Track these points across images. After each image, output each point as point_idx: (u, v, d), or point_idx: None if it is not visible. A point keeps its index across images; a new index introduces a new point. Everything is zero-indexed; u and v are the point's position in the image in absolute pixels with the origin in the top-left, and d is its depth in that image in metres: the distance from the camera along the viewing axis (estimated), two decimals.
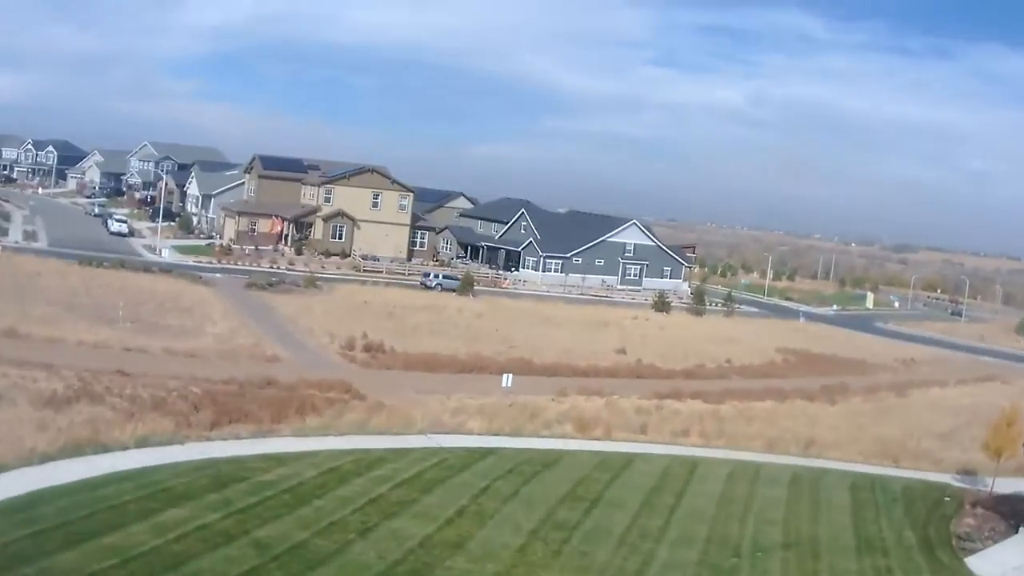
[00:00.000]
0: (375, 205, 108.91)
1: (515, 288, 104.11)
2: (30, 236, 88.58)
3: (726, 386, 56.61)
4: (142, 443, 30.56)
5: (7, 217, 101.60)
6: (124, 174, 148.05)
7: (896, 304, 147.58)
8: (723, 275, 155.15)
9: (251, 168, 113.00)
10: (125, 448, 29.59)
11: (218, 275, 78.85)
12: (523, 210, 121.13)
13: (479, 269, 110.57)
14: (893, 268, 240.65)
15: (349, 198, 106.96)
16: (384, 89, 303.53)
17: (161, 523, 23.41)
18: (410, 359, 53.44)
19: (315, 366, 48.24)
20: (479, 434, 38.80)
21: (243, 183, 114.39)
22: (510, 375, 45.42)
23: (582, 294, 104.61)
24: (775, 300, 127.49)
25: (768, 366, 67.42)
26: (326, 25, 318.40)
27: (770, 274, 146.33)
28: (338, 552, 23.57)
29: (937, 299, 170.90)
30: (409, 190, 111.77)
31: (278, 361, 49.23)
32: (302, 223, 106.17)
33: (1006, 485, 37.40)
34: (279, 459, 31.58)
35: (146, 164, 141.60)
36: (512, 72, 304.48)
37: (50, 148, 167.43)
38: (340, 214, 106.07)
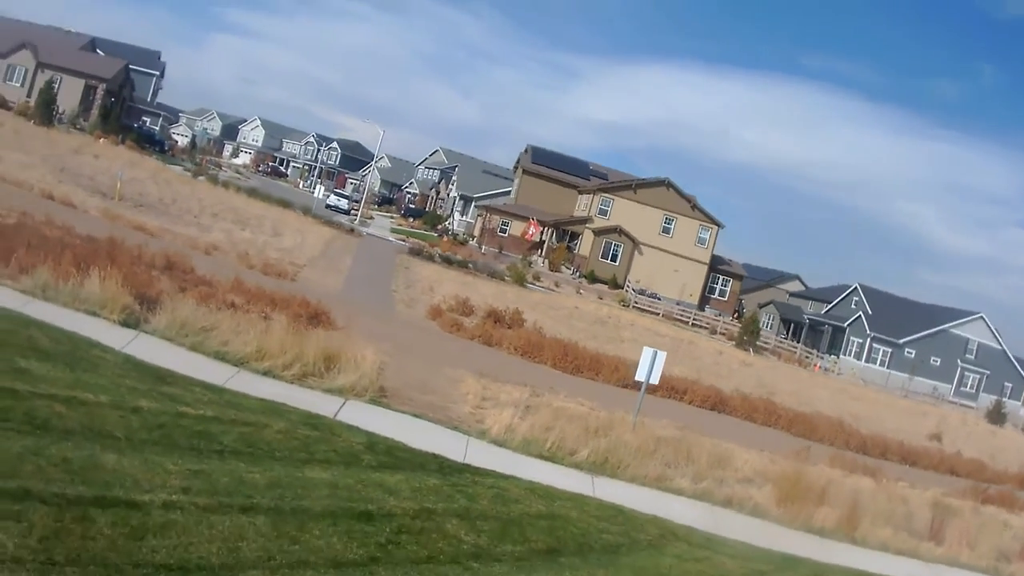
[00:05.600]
0: (666, 230, 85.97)
1: (823, 373, 77.77)
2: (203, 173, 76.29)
3: None
4: None
5: (198, 164, 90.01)
6: (405, 184, 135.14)
7: None
8: None
9: (519, 162, 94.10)
10: None
11: (391, 240, 59.49)
12: (857, 285, 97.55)
13: (785, 344, 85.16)
14: None
15: (631, 214, 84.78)
16: (758, 211, 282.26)
17: None
18: (542, 342, 30.59)
19: (348, 304, 26.93)
20: (492, 441, 16.72)
21: (510, 190, 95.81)
22: (659, 352, 21.16)
23: (904, 397, 76.41)
24: None
25: None
26: (714, 139, 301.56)
27: None
28: None
29: None
30: (714, 222, 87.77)
31: (289, 279, 28.50)
32: (565, 231, 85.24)
33: None
34: None
35: (431, 173, 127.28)
36: (885, 214, 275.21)
37: (334, 145, 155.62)
38: (617, 231, 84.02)
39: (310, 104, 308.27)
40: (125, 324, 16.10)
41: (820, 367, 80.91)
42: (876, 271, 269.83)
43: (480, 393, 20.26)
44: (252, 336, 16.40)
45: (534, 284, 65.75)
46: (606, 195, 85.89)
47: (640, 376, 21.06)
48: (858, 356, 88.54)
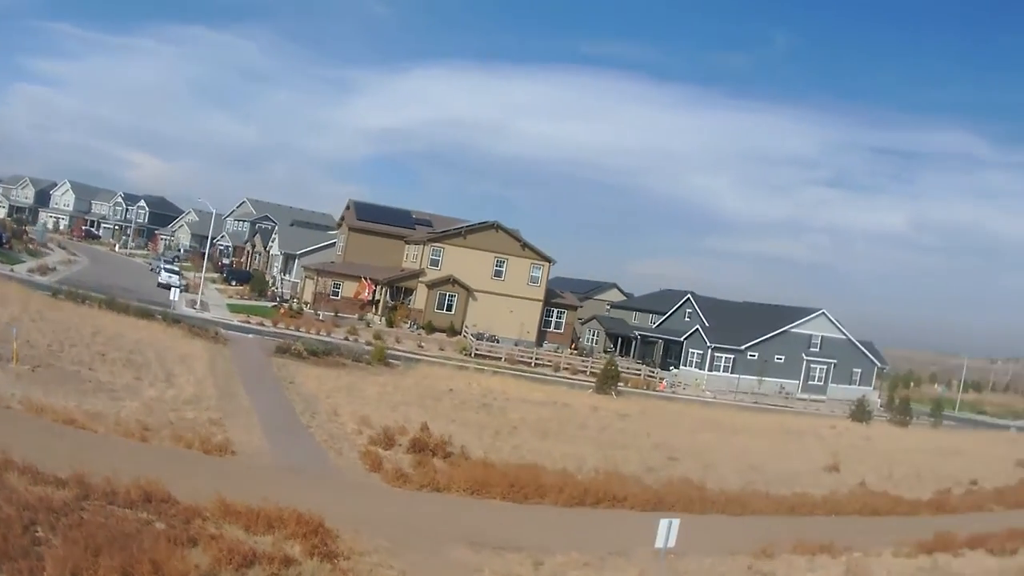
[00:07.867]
0: (498, 273, 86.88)
1: (672, 392, 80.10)
2: (46, 271, 77.65)
3: (995, 522, 33.85)
4: None
5: (34, 253, 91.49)
6: (216, 236, 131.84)
7: None
8: (906, 386, 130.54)
9: (343, 220, 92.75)
10: None
11: (249, 336, 57.54)
12: (689, 295, 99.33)
13: (628, 366, 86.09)
14: None
15: (463, 261, 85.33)
16: (546, 203, 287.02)
17: None
18: (486, 475, 30.33)
19: (298, 476, 25.73)
20: None
21: (331, 243, 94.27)
22: (673, 522, 21.78)
23: (755, 403, 79.75)
24: (967, 414, 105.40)
25: None
26: (494, 135, 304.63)
27: (960, 387, 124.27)
28: None
29: None
30: (545, 258, 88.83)
31: (230, 454, 27.03)
32: (399, 288, 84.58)
33: None
34: None
35: (241, 225, 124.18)
36: (678, 192, 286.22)
37: (141, 204, 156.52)
38: (450, 281, 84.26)
39: (105, 146, 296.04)
40: None
41: (666, 384, 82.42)
42: (664, 246, 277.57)
43: None
44: None
45: (390, 349, 64.56)
46: (436, 244, 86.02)
47: (659, 544, 21.80)
48: (699, 366, 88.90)
